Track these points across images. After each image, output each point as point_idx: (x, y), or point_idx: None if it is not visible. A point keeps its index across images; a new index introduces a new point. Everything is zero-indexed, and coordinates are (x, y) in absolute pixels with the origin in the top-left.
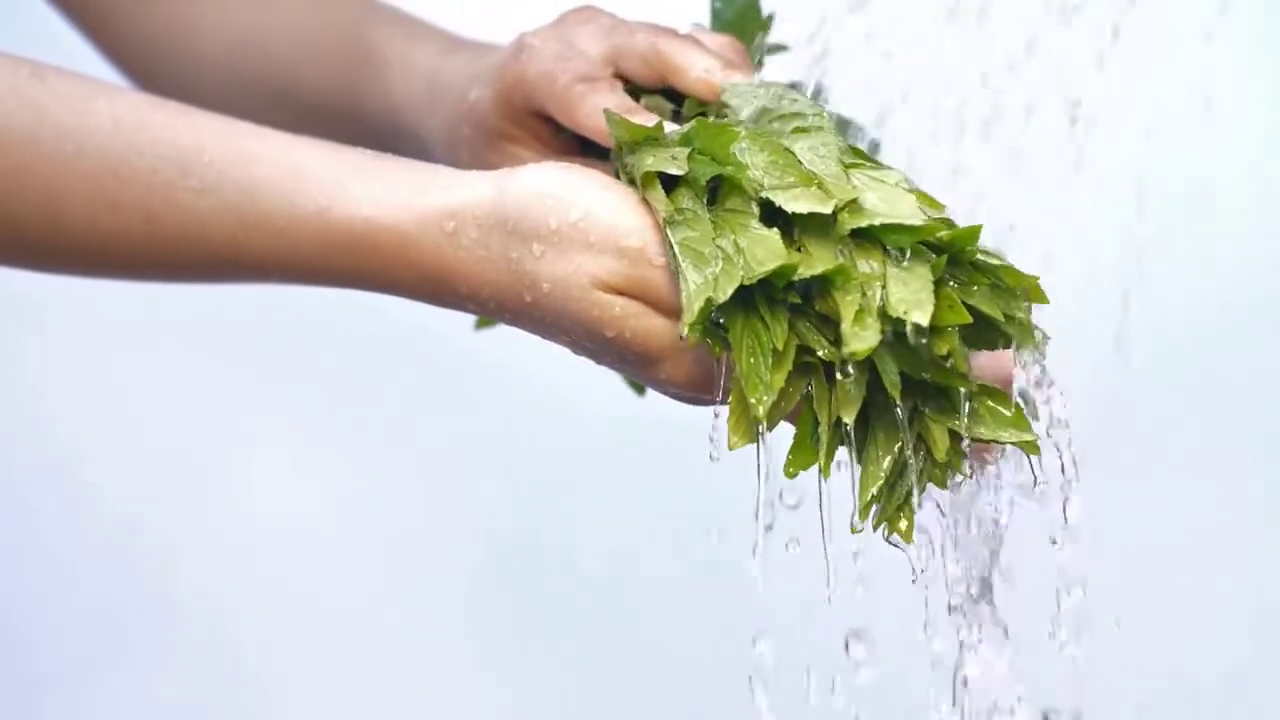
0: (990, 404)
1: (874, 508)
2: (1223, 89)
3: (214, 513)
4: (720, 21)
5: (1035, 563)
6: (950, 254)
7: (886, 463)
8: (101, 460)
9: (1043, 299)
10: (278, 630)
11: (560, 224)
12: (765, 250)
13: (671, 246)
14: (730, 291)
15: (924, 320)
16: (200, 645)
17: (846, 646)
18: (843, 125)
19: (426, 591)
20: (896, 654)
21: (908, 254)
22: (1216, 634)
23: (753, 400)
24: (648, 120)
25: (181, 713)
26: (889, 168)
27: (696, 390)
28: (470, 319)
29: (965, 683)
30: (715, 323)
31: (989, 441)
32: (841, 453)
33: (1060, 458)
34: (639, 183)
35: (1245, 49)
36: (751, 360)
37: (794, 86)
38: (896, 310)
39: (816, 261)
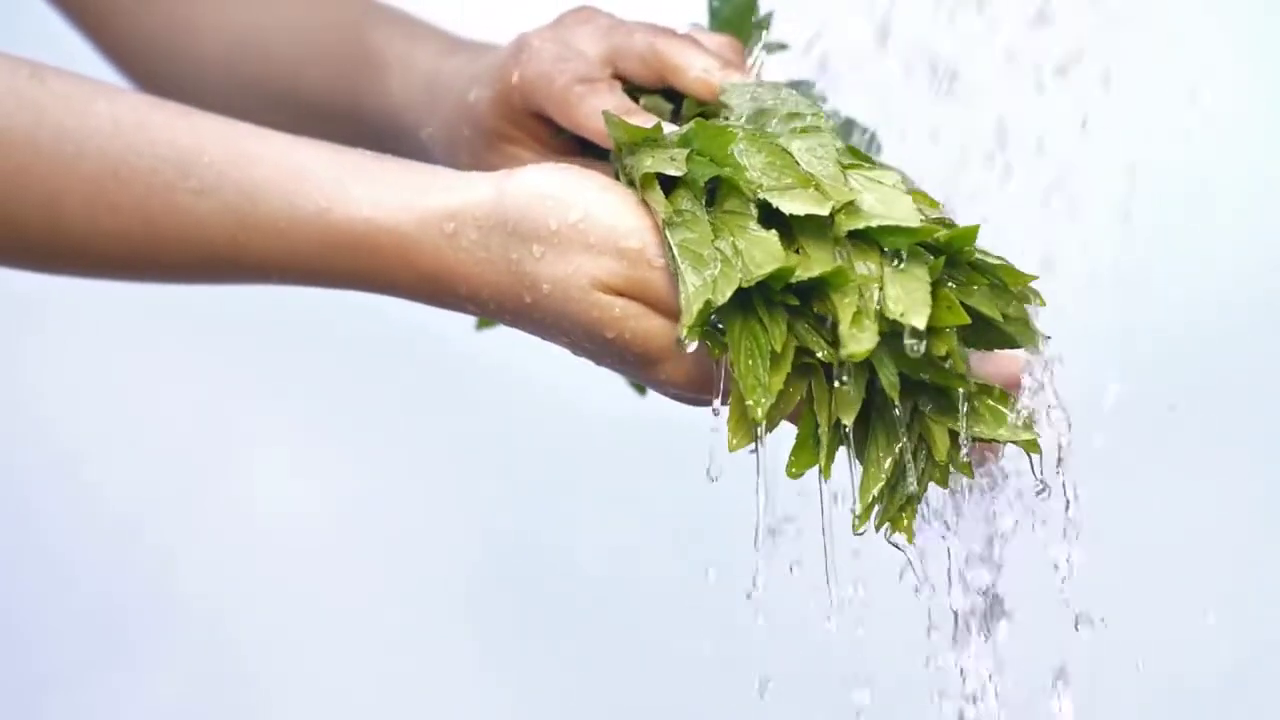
0: (990, 403)
1: (876, 508)
2: (1222, 89)
3: (214, 513)
4: (718, 20)
5: (1035, 562)
6: (948, 255)
7: (888, 464)
8: (101, 460)
9: (1040, 300)
10: (278, 630)
11: (560, 225)
12: (763, 252)
13: (670, 248)
14: (729, 294)
15: (920, 324)
16: (200, 645)
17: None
18: (848, 125)
19: (426, 591)
20: (896, 654)
21: (904, 256)
22: (1216, 634)
23: (750, 402)
24: (646, 121)
25: (181, 713)
26: (887, 168)
27: (697, 391)
28: (470, 319)
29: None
30: (714, 325)
31: (989, 441)
32: (845, 453)
33: (1059, 452)
34: (638, 184)
35: (1245, 48)
36: (750, 362)
37: (794, 85)
38: (893, 313)
39: (814, 263)
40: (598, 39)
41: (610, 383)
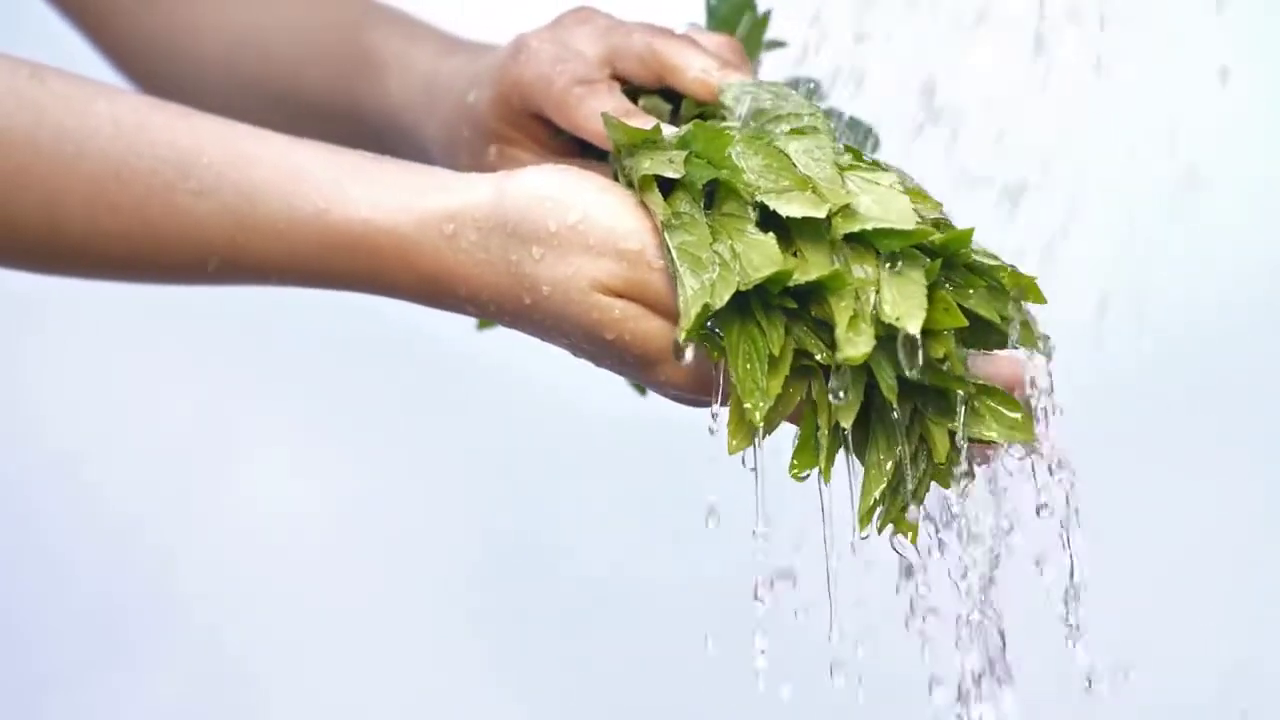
0: (991, 404)
1: (878, 510)
2: (1222, 89)
3: (214, 513)
4: (716, 20)
5: (1035, 564)
6: (944, 257)
7: (889, 466)
8: (101, 460)
9: (1040, 299)
10: (278, 630)
11: (559, 226)
12: (761, 256)
13: (669, 250)
14: (727, 298)
15: (915, 329)
16: (200, 645)
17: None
18: (853, 125)
19: (426, 591)
20: (895, 652)
21: (900, 259)
22: (1216, 634)
23: (748, 406)
24: (645, 123)
25: (181, 713)
26: (886, 168)
27: (697, 392)
28: (470, 320)
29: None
30: (711, 329)
31: (989, 441)
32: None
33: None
34: (636, 186)
35: (1245, 48)
36: (748, 366)
37: (794, 85)
38: (889, 317)
39: (811, 267)
40: (596, 39)
41: (610, 383)
